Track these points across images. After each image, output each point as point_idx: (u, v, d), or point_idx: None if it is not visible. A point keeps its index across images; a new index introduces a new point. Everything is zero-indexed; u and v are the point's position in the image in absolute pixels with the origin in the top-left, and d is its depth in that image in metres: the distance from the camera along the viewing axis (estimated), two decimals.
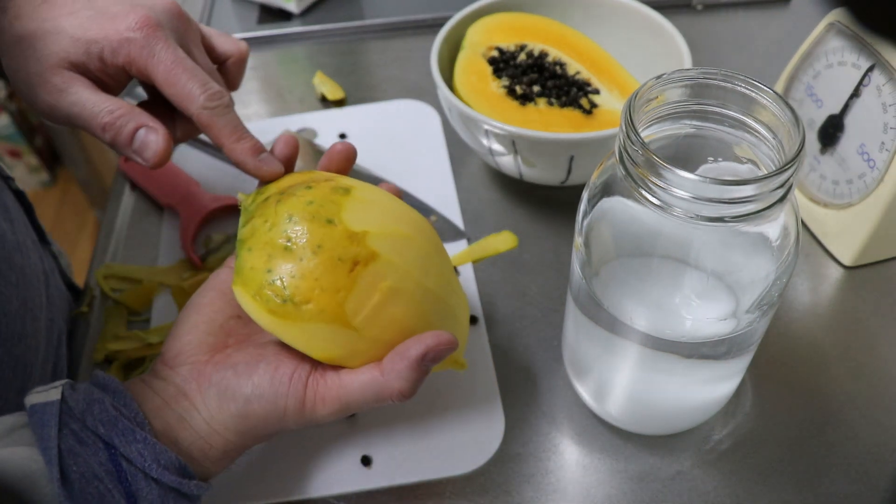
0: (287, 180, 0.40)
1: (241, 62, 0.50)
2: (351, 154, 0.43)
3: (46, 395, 0.35)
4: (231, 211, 0.60)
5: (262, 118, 0.69)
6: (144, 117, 0.41)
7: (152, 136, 0.40)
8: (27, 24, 0.41)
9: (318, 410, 0.37)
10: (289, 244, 0.36)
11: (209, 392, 0.37)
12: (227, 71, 0.49)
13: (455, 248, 0.56)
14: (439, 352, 0.37)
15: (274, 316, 0.36)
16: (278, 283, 0.35)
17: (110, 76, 0.41)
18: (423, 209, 0.59)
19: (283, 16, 0.79)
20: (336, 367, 0.38)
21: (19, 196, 0.51)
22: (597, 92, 0.57)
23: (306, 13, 0.79)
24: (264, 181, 0.42)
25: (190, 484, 0.36)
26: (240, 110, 0.70)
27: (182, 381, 0.38)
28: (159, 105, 0.44)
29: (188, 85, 0.40)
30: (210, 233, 0.59)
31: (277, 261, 0.36)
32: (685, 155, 0.37)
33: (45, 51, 0.40)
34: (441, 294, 0.39)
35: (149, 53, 0.40)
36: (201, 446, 0.37)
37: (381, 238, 0.37)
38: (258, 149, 0.42)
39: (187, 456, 0.37)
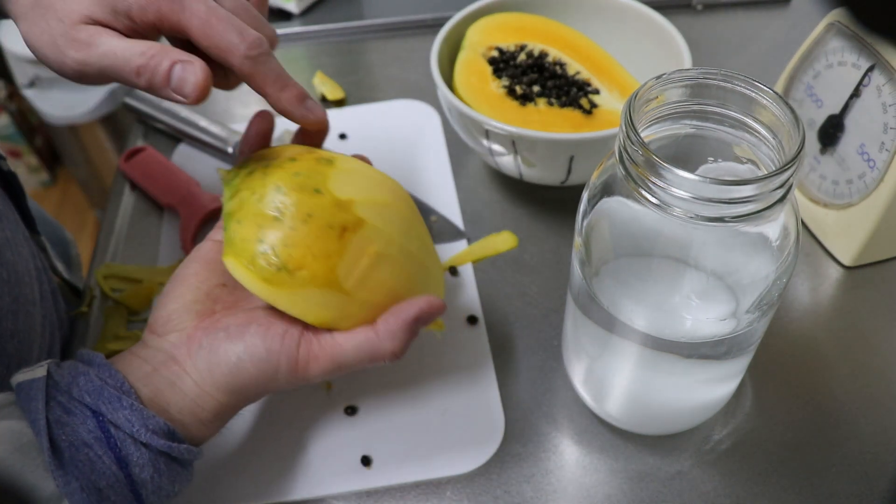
0: (268, 154, 0.41)
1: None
2: (324, 125, 0.43)
3: (32, 373, 0.36)
4: None
5: None
6: (178, 53, 0.38)
7: (189, 69, 0.37)
8: None
9: (311, 369, 0.38)
10: (279, 214, 0.37)
11: (199, 354, 0.38)
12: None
13: (455, 248, 0.56)
14: (431, 314, 0.39)
15: (268, 284, 0.37)
16: (271, 252, 0.37)
17: (140, 34, 0.39)
18: (424, 209, 0.59)
19: (283, 16, 0.79)
20: (328, 329, 0.39)
21: (9, 180, 0.50)
22: (597, 92, 0.57)
23: (306, 13, 0.79)
24: (310, 129, 0.43)
25: (180, 448, 0.36)
26: (240, 110, 0.70)
27: (171, 346, 0.39)
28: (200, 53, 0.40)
29: (226, 36, 0.38)
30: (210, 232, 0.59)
31: (269, 231, 0.37)
32: (685, 155, 0.37)
33: (66, 9, 0.38)
34: (421, 257, 0.41)
35: (180, 7, 0.37)
36: (193, 409, 0.38)
37: (365, 205, 0.38)
38: (304, 96, 0.41)
39: (178, 420, 0.37)
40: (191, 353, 0.38)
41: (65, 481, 0.33)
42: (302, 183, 0.38)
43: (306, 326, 0.39)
